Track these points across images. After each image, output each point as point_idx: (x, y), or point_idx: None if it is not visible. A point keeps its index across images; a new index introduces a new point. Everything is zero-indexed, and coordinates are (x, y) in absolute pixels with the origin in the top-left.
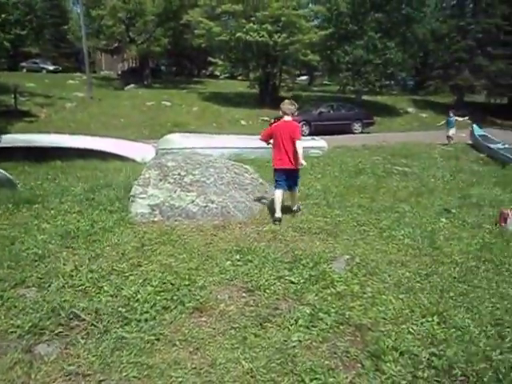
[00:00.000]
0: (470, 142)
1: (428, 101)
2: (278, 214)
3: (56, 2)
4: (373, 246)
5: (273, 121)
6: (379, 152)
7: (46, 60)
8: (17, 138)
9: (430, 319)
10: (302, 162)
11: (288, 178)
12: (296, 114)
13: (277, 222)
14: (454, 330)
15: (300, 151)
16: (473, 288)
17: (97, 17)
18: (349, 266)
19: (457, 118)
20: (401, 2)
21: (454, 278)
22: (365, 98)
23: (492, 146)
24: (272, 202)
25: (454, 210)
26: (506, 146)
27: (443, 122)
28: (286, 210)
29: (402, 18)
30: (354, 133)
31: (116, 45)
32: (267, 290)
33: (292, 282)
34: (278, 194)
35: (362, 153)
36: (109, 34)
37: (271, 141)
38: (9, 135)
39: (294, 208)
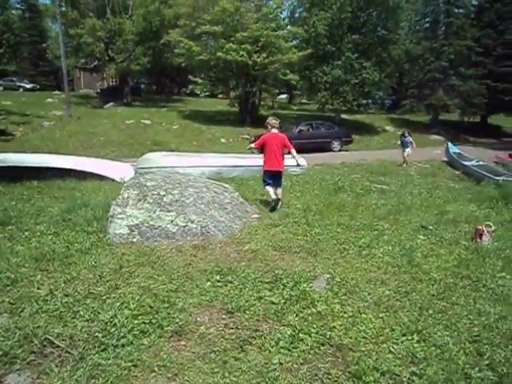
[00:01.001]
0: (446, 159)
1: (405, 119)
2: (273, 196)
3: (34, 21)
4: (352, 264)
5: (253, 139)
6: (358, 170)
7: (24, 78)
8: None
9: (410, 337)
10: (300, 162)
11: (274, 178)
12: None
13: (274, 202)
14: (433, 348)
15: (296, 156)
16: (451, 305)
17: (75, 35)
18: (329, 285)
19: (411, 139)
20: (376, 24)
21: (433, 295)
22: (343, 116)
23: (466, 163)
24: (253, 219)
25: (431, 227)
26: (480, 162)
27: (398, 143)
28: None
29: (378, 40)
30: (333, 151)
31: (95, 63)
32: (247, 311)
33: (272, 303)
34: (270, 189)
35: (342, 170)
36: (88, 53)
37: (252, 146)
38: None
39: (279, 204)
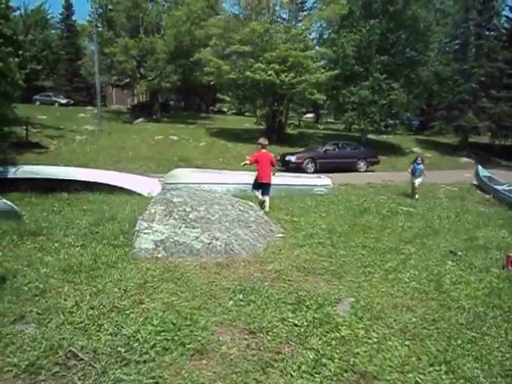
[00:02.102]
0: (475, 182)
1: (433, 141)
2: (260, 197)
3: (71, 39)
4: (378, 288)
5: (279, 157)
6: (384, 191)
7: (59, 93)
8: (26, 170)
9: (437, 368)
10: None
11: (263, 187)
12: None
13: (259, 202)
14: (462, 380)
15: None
16: (481, 335)
17: (110, 53)
18: (353, 309)
19: (423, 167)
20: (405, 45)
21: (462, 324)
22: (370, 136)
23: (497, 187)
24: (277, 239)
25: (460, 253)
26: None
27: (409, 170)
28: (288, 250)
29: (407, 61)
30: (358, 171)
31: (127, 80)
32: (270, 333)
33: (295, 325)
34: (257, 192)
35: (367, 191)
36: (120, 70)
37: (246, 162)
38: (25, 166)
39: (266, 209)
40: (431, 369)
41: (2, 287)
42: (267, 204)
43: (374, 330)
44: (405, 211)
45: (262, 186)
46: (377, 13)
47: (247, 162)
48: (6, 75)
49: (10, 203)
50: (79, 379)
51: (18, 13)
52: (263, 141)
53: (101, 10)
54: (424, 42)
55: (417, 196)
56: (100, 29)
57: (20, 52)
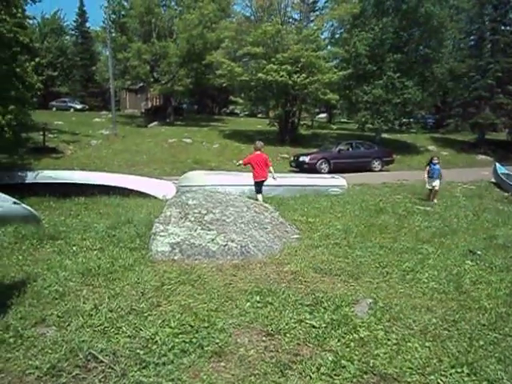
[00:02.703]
0: (493, 180)
1: (448, 139)
2: (261, 201)
3: (86, 46)
4: (396, 289)
5: (292, 158)
6: (400, 190)
7: (75, 99)
8: (44, 174)
9: (459, 370)
10: (274, 176)
11: (260, 185)
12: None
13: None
14: (485, 382)
15: (272, 170)
16: (504, 336)
17: (123, 59)
18: (372, 310)
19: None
20: (419, 43)
21: (484, 325)
22: (384, 135)
23: None
24: (293, 240)
25: (479, 252)
26: None
27: (426, 175)
28: (305, 250)
29: (421, 59)
30: (373, 170)
31: (140, 84)
32: (288, 334)
33: (313, 326)
34: (260, 197)
35: (383, 191)
36: (134, 75)
37: (241, 162)
38: (44, 172)
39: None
40: (453, 371)
41: (23, 291)
42: (260, 199)
43: (393, 332)
44: (421, 210)
45: (259, 183)
46: (389, 11)
47: (240, 161)
48: (23, 80)
49: (29, 208)
50: (100, 381)
51: (34, 21)
52: (258, 143)
53: (114, 16)
54: (438, 38)
55: (435, 200)
56: (113, 34)
57: (37, 59)
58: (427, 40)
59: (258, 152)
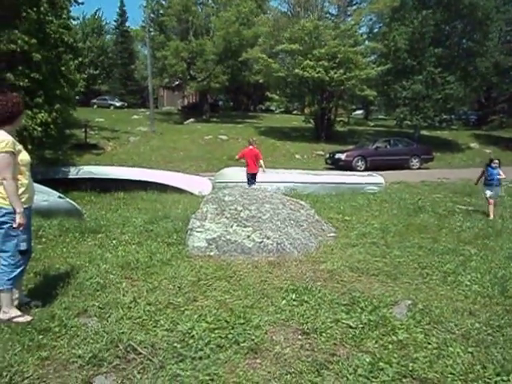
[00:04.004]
0: None
1: (492, 136)
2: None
3: (125, 45)
4: (436, 291)
5: (328, 155)
6: (440, 189)
7: (114, 97)
8: (85, 170)
9: (505, 378)
10: (264, 169)
11: (254, 178)
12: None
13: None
14: None
15: (262, 165)
16: None
17: (161, 57)
18: (411, 312)
19: (501, 172)
20: (462, 36)
21: None
22: (423, 132)
23: None
24: (329, 238)
25: None
26: None
27: (480, 180)
28: (340, 254)
29: (463, 52)
30: (411, 168)
31: (177, 82)
32: (324, 334)
33: (350, 327)
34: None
35: (421, 189)
36: (171, 73)
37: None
38: (84, 167)
39: None
40: (498, 378)
41: (66, 282)
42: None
43: (433, 335)
44: (463, 210)
45: (252, 176)
46: (430, 3)
47: (237, 156)
48: (67, 79)
49: (73, 202)
50: (138, 373)
51: (77, 22)
52: (250, 139)
53: (153, 15)
54: (483, 31)
55: (491, 215)
56: (152, 33)
57: (80, 59)
58: (471, 33)
59: (251, 147)
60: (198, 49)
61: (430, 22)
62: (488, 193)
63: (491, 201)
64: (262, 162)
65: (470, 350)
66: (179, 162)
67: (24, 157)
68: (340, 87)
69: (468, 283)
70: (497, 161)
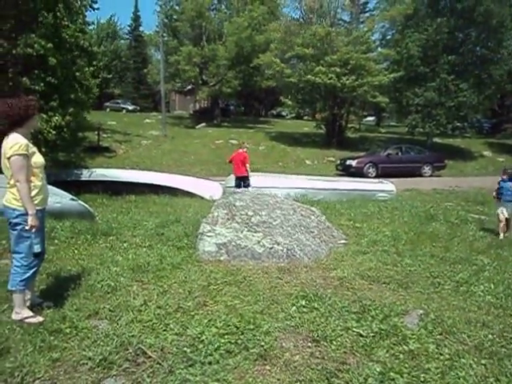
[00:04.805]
0: None
1: (506, 144)
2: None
3: (139, 49)
4: (449, 301)
5: (339, 161)
6: (452, 197)
7: (127, 100)
8: (97, 173)
9: None
10: (250, 174)
11: (239, 181)
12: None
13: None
14: None
15: (248, 169)
16: None
17: (174, 62)
18: (422, 321)
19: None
20: (476, 43)
21: None
22: (435, 140)
23: None
24: (339, 245)
25: None
26: None
27: (494, 194)
28: (351, 258)
29: (477, 60)
30: (423, 176)
31: (189, 87)
32: (334, 342)
33: (360, 335)
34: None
35: (433, 197)
36: (184, 77)
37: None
38: (97, 170)
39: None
40: None
41: (78, 283)
42: None
43: (445, 346)
44: (475, 219)
45: (239, 179)
46: (444, 11)
47: (227, 160)
48: (82, 84)
49: (85, 205)
50: (148, 376)
51: (92, 27)
52: (241, 142)
53: (166, 21)
54: (497, 38)
55: (504, 235)
56: (165, 38)
57: (94, 63)
58: (485, 40)
59: (240, 150)
60: (211, 54)
61: (444, 30)
62: (502, 210)
63: (502, 218)
64: (248, 166)
65: (482, 361)
66: (190, 166)
67: (38, 159)
68: (352, 93)
69: (481, 294)
70: (508, 174)
